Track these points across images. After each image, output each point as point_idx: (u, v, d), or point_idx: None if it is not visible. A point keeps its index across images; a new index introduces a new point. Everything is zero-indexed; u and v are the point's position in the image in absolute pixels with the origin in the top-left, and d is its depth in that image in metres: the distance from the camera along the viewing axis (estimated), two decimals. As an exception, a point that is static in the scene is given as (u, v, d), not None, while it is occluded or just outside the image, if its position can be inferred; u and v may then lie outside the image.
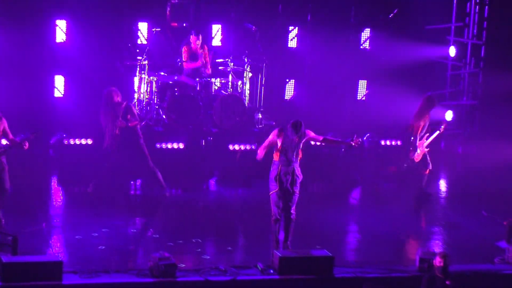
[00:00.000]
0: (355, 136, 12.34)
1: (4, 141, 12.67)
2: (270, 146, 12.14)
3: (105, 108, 15.30)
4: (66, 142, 17.02)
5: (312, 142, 12.77)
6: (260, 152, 12.16)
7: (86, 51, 18.61)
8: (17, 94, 17.66)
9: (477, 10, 20.12)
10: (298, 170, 12.19)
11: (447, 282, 10.53)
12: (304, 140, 12.11)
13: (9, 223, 12.67)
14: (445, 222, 15.14)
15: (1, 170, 12.13)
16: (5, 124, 11.98)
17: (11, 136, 12.05)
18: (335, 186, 17.43)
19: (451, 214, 15.75)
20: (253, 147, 17.69)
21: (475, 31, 20.25)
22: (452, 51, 20.49)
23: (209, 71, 18.34)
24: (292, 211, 12.23)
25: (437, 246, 13.45)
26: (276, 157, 12.15)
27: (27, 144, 11.99)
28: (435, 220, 15.38)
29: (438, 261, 10.59)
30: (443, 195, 17.39)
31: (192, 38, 18.13)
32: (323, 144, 12.42)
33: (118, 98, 15.30)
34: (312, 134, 12.23)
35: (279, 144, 12.05)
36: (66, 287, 10.52)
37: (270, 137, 12.13)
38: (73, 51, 18.68)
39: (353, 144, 12.35)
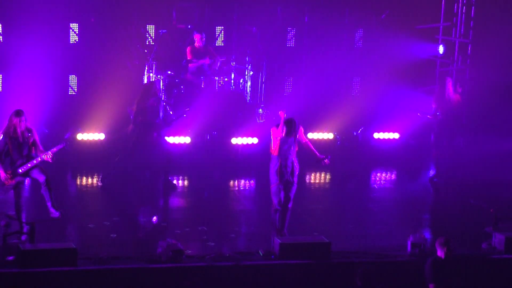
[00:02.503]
0: (329, 157, 12.37)
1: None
2: (277, 140, 12.17)
3: (146, 98, 15.24)
4: (79, 137, 17.02)
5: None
6: (275, 149, 12.15)
7: (97, 52, 18.62)
8: (35, 92, 17.64)
9: (464, 11, 20.07)
10: (296, 162, 12.23)
11: (453, 266, 10.54)
12: (297, 135, 12.17)
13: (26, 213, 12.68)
14: (435, 210, 15.15)
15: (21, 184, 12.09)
16: (35, 136, 11.93)
17: (41, 147, 11.96)
18: (331, 177, 17.43)
19: (441, 203, 15.75)
20: (254, 141, 17.69)
21: (462, 30, 20.20)
22: (441, 49, 20.46)
23: (217, 66, 18.27)
24: (290, 201, 12.27)
25: (428, 232, 13.46)
26: (275, 152, 12.19)
27: (52, 157, 11.91)
28: (426, 207, 15.39)
29: (450, 246, 10.53)
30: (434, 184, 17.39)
31: (195, 36, 18.11)
32: (302, 145, 12.40)
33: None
34: (302, 132, 12.30)
35: (278, 139, 12.10)
36: (80, 272, 10.55)
37: (273, 135, 12.16)
38: (85, 52, 18.70)
39: (325, 162, 12.37)
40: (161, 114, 15.32)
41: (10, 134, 11.78)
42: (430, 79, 20.50)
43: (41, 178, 12.02)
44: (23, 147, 11.79)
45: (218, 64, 18.19)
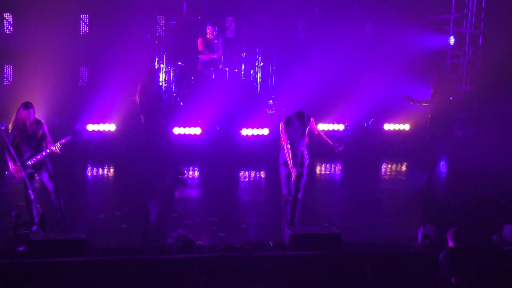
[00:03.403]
0: (343, 146, 12.33)
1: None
2: (286, 135, 12.11)
3: (149, 85, 15.22)
4: (90, 128, 17.02)
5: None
6: (286, 147, 12.10)
7: (108, 43, 18.60)
8: (45, 83, 17.65)
9: (475, 2, 19.98)
10: (305, 153, 12.20)
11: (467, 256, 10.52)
12: (308, 126, 12.13)
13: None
14: (445, 201, 15.09)
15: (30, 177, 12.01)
16: (44, 128, 11.86)
17: (50, 139, 11.90)
18: (342, 168, 17.39)
19: (451, 194, 15.69)
20: (264, 132, 17.66)
21: (473, 21, 20.12)
22: (452, 40, 20.39)
23: (223, 63, 18.27)
24: (300, 192, 12.22)
25: (438, 224, 13.39)
26: (285, 143, 12.15)
27: (60, 149, 11.85)
28: (436, 199, 15.34)
29: (461, 236, 10.53)
30: (443, 175, 17.34)
31: (208, 28, 18.13)
32: (315, 136, 12.35)
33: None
34: (313, 123, 12.25)
35: (288, 132, 12.07)
36: (91, 263, 10.53)
37: (282, 131, 12.11)
38: (96, 43, 18.67)
39: (338, 149, 12.33)
40: (164, 98, 15.36)
41: (19, 126, 11.73)
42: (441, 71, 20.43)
43: (50, 186, 11.92)
44: (32, 139, 11.73)
45: (221, 66, 18.17)
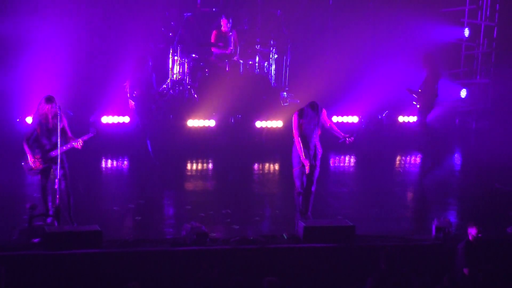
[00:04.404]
0: (354, 135, 12.27)
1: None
2: (299, 127, 12.07)
3: (140, 71, 15.29)
4: (104, 120, 17.03)
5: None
6: (297, 140, 12.05)
7: (122, 35, 18.58)
8: (59, 75, 17.64)
9: (490, -7, 19.94)
10: (318, 145, 12.16)
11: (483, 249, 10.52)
12: (320, 118, 12.07)
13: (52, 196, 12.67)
14: (459, 194, 15.05)
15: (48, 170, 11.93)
16: (65, 122, 11.72)
17: (70, 134, 11.75)
18: (356, 160, 17.35)
19: (466, 186, 15.64)
20: (278, 124, 17.64)
21: (488, 13, 20.03)
22: (466, 32, 20.30)
23: (237, 56, 18.26)
24: (313, 184, 12.18)
25: (452, 216, 13.36)
26: (297, 135, 12.10)
27: (82, 145, 11.73)
28: (450, 191, 15.29)
29: (480, 230, 10.52)
30: (458, 168, 17.28)
31: (222, 21, 18.09)
32: (326, 128, 12.28)
33: None
34: (325, 114, 12.20)
35: (301, 124, 12.02)
36: (105, 255, 10.55)
37: (295, 122, 12.06)
38: (110, 35, 18.66)
39: (349, 140, 12.26)
40: (155, 85, 15.37)
41: (41, 120, 11.60)
42: (456, 63, 20.35)
43: (62, 183, 11.85)
44: (52, 133, 11.61)
45: (235, 57, 18.15)
